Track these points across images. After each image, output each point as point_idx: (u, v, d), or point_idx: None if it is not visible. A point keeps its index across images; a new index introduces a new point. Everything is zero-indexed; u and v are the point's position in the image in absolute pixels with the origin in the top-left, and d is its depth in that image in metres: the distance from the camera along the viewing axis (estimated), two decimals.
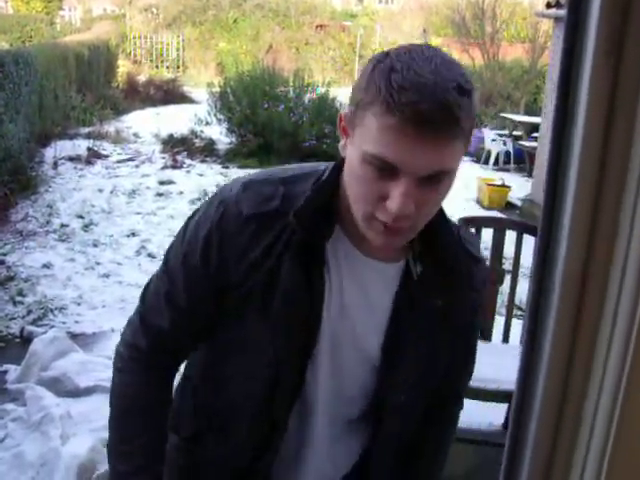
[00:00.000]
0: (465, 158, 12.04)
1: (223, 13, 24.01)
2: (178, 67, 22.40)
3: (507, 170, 10.94)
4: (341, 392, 1.26)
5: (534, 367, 0.49)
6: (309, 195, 1.15)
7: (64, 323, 4.73)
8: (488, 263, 3.29)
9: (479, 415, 3.41)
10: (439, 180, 1.03)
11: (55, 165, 9.20)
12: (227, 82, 11.91)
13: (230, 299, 1.20)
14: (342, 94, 13.45)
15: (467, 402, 3.06)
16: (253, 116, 10.79)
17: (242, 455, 1.31)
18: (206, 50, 23.17)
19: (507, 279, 3.29)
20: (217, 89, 11.72)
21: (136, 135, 12.18)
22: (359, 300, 1.20)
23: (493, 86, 14.94)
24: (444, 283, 1.20)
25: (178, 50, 22.66)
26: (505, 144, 11.25)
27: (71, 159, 9.63)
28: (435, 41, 18.71)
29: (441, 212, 1.16)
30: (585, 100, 0.48)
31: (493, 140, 11.39)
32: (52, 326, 4.58)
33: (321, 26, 24.90)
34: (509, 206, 8.60)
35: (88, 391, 3.56)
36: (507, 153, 11.23)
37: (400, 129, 0.96)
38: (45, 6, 23.92)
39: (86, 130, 11.49)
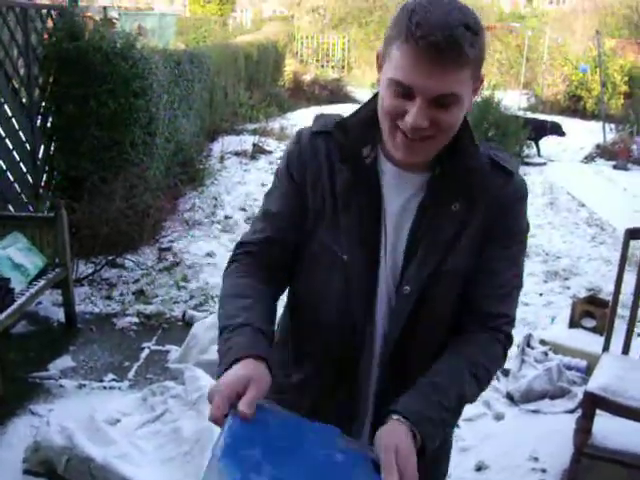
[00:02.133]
0: None
1: (389, 14, 24.06)
2: (343, 67, 22.75)
3: None
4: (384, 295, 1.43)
5: None
6: (350, 114, 1.44)
7: None
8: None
9: (637, 436, 3.23)
10: (448, 103, 1.24)
11: (222, 159, 9.62)
12: None
13: (308, 210, 1.41)
14: (507, 98, 13.11)
15: (622, 422, 2.92)
16: None
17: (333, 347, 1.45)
18: (371, 51, 23.35)
19: None
20: None
21: None
22: (395, 207, 1.39)
23: None
24: (461, 186, 1.37)
25: (343, 50, 23.01)
26: None
27: (237, 154, 10.02)
28: (609, 43, 17.82)
29: (468, 136, 1.37)
30: None
31: None
32: (212, 312, 4.81)
33: (488, 28, 24.42)
34: None
35: None
36: None
37: (415, 56, 1.19)
38: (219, 8, 25.04)
39: (252, 126, 11.92)
